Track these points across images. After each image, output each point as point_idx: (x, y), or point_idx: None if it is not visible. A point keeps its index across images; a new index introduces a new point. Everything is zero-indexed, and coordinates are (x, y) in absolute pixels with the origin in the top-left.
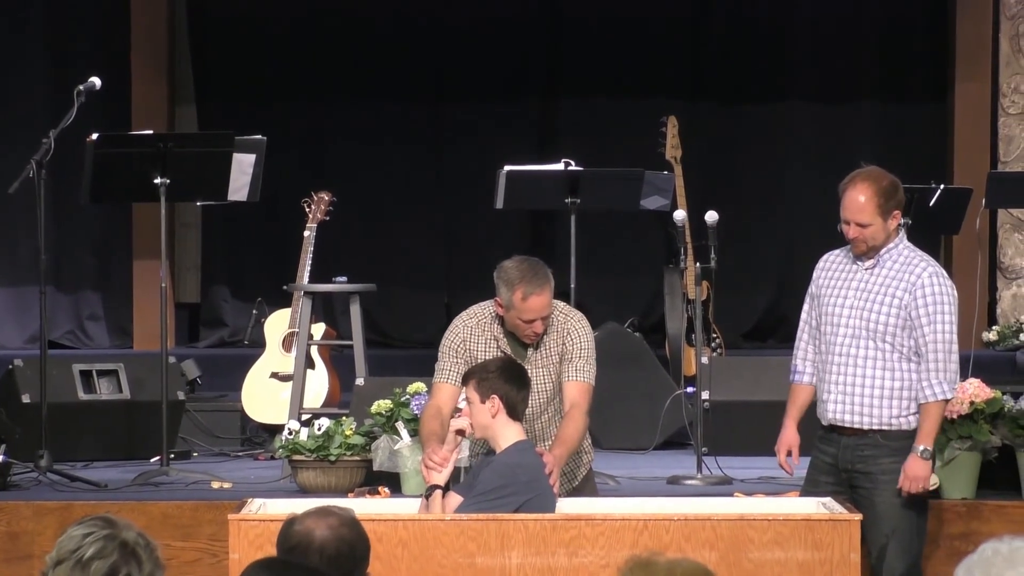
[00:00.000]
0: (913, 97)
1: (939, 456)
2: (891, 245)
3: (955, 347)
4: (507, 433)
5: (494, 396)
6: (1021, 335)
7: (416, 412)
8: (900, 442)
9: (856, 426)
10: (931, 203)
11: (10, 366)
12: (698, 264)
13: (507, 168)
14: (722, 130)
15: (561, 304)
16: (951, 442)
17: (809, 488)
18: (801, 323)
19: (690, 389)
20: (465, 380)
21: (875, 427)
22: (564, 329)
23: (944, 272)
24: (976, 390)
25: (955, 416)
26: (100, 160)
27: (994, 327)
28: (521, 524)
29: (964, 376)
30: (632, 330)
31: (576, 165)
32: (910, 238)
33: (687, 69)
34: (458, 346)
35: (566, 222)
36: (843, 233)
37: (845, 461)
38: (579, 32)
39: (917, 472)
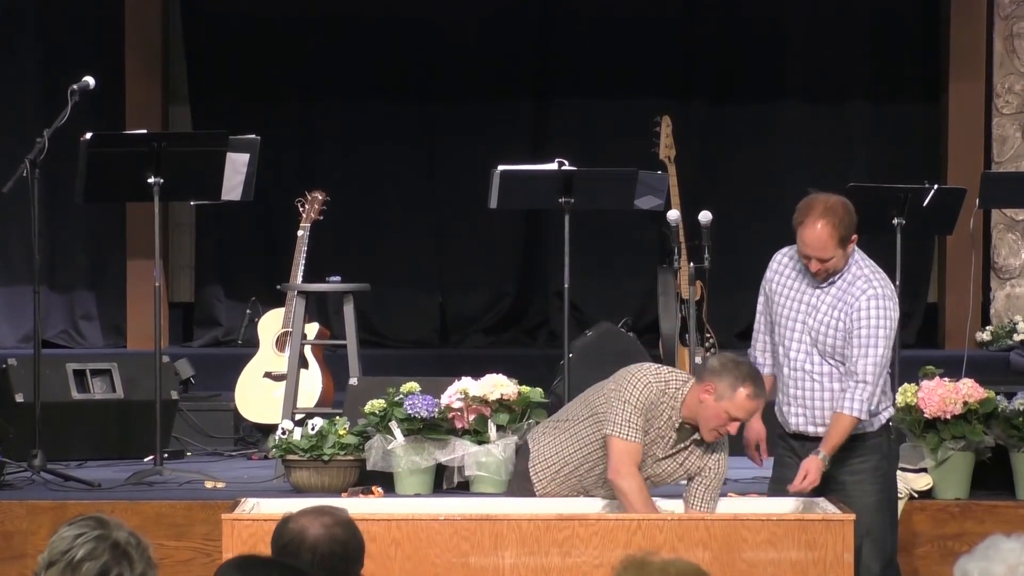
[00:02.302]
0: (907, 97)
1: (932, 456)
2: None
3: (885, 371)
4: None
5: None
6: (1015, 335)
7: (409, 412)
8: (867, 441)
9: (821, 435)
10: (924, 203)
11: (4, 365)
12: (692, 264)
13: (501, 168)
14: (715, 130)
15: None
16: (944, 442)
17: (777, 487)
18: (757, 315)
19: None
20: None
21: None
22: (713, 454)
23: (887, 292)
24: (970, 390)
25: (949, 416)
26: (94, 159)
27: (988, 327)
28: (515, 524)
29: (958, 376)
30: (626, 330)
31: (569, 165)
32: (904, 239)
33: (680, 68)
34: (649, 405)
35: (560, 222)
36: (806, 265)
37: None
38: (571, 31)
39: (813, 476)
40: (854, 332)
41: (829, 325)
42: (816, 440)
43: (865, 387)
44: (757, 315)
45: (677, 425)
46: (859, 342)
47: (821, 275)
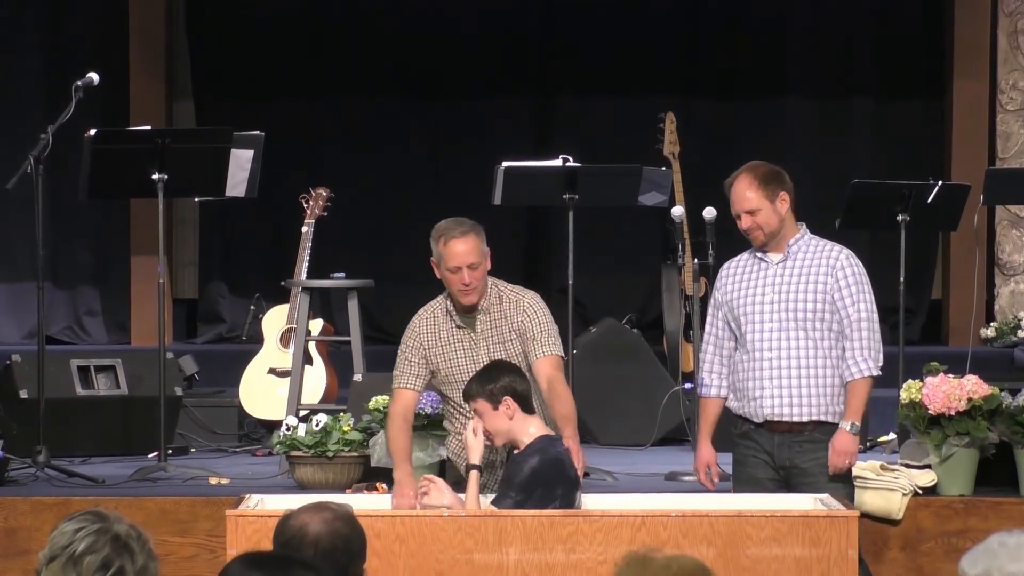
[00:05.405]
0: (911, 93)
1: (936, 453)
2: (796, 237)
3: (878, 325)
4: (528, 429)
5: (506, 398)
6: (1019, 332)
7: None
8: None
9: (796, 419)
10: (929, 199)
11: (8, 362)
12: (696, 260)
13: (505, 164)
14: (720, 126)
15: (513, 285)
16: (949, 439)
17: (750, 488)
18: (705, 335)
19: (688, 385)
20: (468, 397)
21: (814, 418)
22: (519, 307)
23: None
24: (974, 387)
25: (953, 412)
26: (98, 156)
27: (992, 324)
28: (519, 520)
29: (962, 373)
30: (630, 326)
31: (573, 161)
32: (908, 235)
33: (684, 65)
34: (413, 343)
35: (564, 218)
36: (744, 233)
37: (783, 458)
38: (575, 28)
39: (846, 446)
40: (842, 286)
41: (806, 290)
42: (790, 428)
43: (862, 341)
44: (705, 335)
45: (460, 320)
46: (849, 292)
47: (757, 235)
